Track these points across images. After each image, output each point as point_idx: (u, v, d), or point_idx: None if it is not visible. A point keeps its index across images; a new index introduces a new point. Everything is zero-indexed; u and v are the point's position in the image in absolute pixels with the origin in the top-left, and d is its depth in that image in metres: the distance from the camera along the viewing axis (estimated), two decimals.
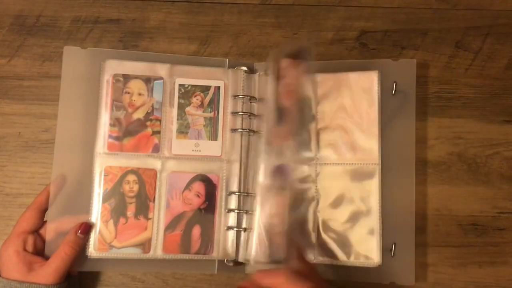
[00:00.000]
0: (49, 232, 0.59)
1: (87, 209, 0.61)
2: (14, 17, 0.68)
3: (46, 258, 0.58)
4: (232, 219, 0.63)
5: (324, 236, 0.62)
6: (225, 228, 0.63)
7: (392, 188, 0.62)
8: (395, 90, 0.63)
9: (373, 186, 0.62)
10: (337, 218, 0.62)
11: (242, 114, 0.64)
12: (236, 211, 0.63)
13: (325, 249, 0.62)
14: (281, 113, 0.60)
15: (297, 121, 0.60)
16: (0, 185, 0.65)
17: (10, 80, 0.66)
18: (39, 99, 0.66)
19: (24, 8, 0.68)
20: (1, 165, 0.65)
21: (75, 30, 0.67)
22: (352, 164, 0.63)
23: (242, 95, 0.65)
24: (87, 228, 0.60)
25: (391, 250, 0.60)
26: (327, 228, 0.62)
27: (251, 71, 0.66)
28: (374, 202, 0.62)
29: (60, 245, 0.58)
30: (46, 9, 0.68)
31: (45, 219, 0.60)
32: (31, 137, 0.66)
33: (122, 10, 0.68)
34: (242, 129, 0.64)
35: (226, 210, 0.63)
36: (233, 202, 0.63)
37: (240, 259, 0.62)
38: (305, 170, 0.64)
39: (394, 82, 0.63)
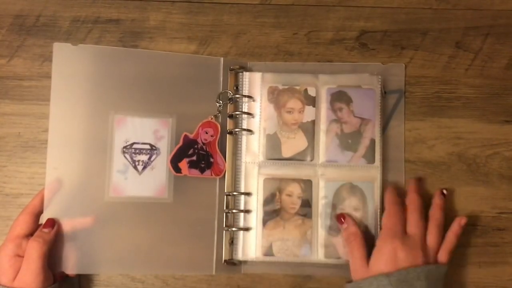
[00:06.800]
0: None
1: (85, 211, 0.61)
2: (14, 17, 0.67)
3: None
4: (230, 219, 0.63)
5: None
6: (223, 228, 0.63)
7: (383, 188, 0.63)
8: (384, 92, 0.65)
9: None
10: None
11: (239, 114, 0.64)
12: (234, 210, 0.63)
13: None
14: None
15: None
16: (0, 185, 0.65)
17: (10, 80, 0.66)
18: (39, 99, 0.66)
19: (24, 8, 0.68)
20: (1, 165, 0.65)
21: (75, 30, 0.67)
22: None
23: (238, 95, 0.64)
24: (51, 222, 0.59)
25: None
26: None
27: (245, 70, 0.65)
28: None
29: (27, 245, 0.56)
30: (46, 9, 0.68)
31: (40, 223, 0.60)
32: (31, 137, 0.66)
33: (121, 10, 0.68)
34: (240, 129, 0.64)
35: (225, 211, 0.63)
36: (230, 202, 0.63)
37: (238, 259, 0.63)
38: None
39: (381, 85, 0.64)
